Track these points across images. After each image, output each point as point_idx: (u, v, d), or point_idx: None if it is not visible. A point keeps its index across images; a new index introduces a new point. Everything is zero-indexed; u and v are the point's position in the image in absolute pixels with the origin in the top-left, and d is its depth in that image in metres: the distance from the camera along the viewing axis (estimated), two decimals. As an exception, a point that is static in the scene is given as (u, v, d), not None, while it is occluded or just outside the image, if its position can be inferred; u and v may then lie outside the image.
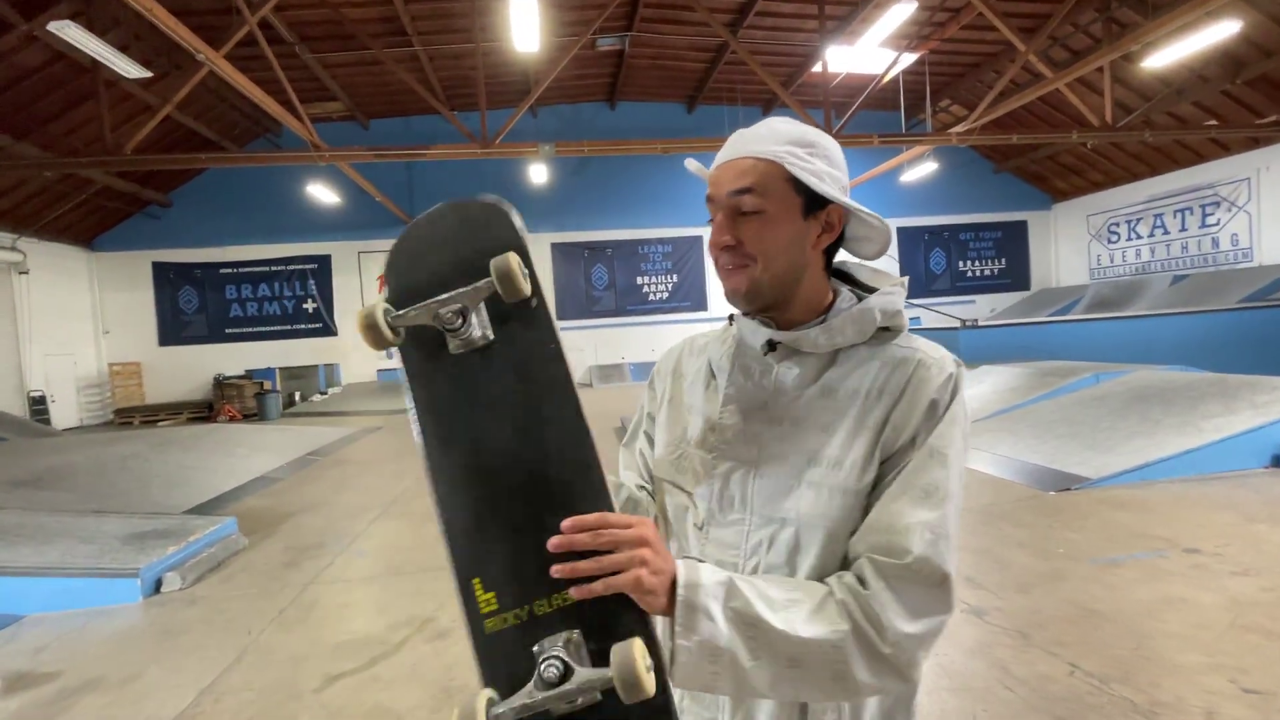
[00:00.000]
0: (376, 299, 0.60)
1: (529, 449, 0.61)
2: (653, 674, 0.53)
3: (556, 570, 0.56)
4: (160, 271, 13.70)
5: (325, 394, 13.42)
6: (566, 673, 0.54)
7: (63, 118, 9.95)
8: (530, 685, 0.54)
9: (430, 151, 9.45)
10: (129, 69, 7.29)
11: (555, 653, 0.55)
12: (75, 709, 2.40)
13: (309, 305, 14.21)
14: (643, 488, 0.91)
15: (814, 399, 0.73)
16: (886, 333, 0.74)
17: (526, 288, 0.61)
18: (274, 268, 14.11)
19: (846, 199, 0.72)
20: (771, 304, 0.75)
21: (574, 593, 0.56)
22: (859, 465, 0.68)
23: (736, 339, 0.80)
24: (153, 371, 13.57)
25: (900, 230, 15.90)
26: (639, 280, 15.25)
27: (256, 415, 11.94)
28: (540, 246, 14.44)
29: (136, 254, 13.56)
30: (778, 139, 0.72)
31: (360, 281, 14.41)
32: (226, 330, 13.95)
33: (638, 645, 0.53)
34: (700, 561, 0.65)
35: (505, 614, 0.57)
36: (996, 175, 16.61)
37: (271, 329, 14.08)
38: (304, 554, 4.12)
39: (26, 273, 11.49)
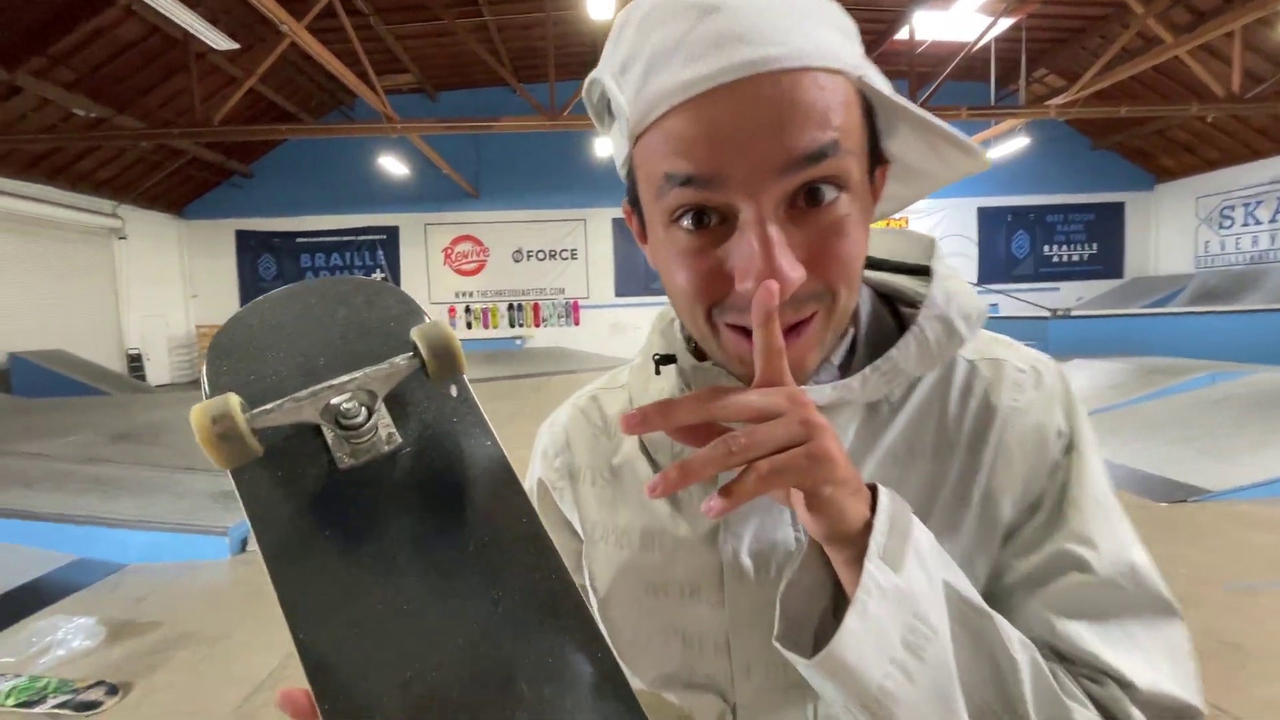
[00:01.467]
0: (215, 397, 0.36)
1: (475, 608, 0.37)
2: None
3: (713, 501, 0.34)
4: (242, 239, 14.36)
5: (392, 362, 13.90)
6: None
7: (157, 90, 10.44)
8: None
9: (499, 124, 9.44)
10: (218, 41, 7.52)
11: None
12: (172, 662, 2.50)
13: (377, 275, 14.61)
14: None
15: (879, 473, 0.44)
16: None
17: (464, 363, 0.40)
18: (345, 238, 14.56)
19: (935, 121, 0.39)
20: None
21: (717, 502, 0.34)
22: (976, 557, 0.43)
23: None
24: (235, 334, 14.37)
25: (982, 210, 14.98)
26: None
27: (328, 380, 12.45)
28: (602, 222, 14.33)
29: (221, 222, 14.24)
30: (828, 16, 0.38)
31: (426, 254, 14.71)
32: (301, 297, 14.58)
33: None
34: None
35: None
36: (1093, 152, 15.32)
37: (343, 297, 14.63)
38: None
39: (125, 238, 12.26)
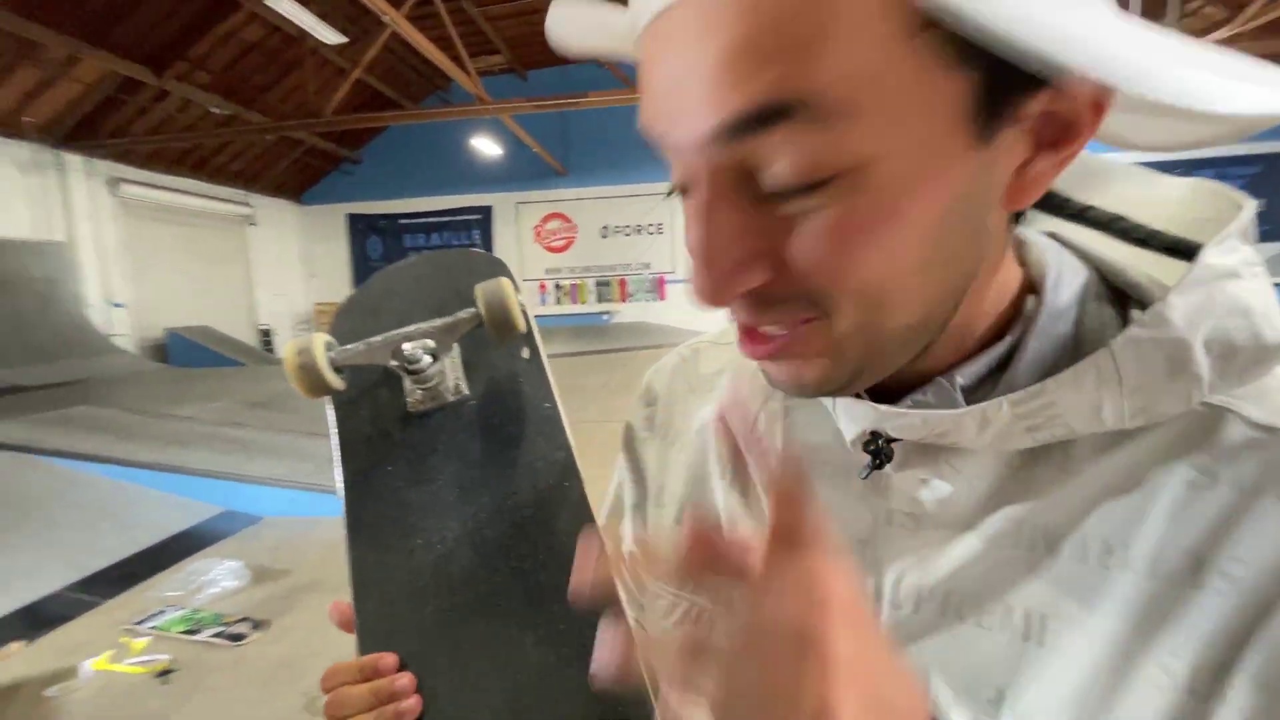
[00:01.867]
0: (314, 333, 0.42)
1: (508, 560, 0.40)
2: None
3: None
4: (352, 222, 15.42)
5: (487, 337, 14.55)
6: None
7: (277, 86, 11.33)
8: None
9: (586, 99, 9.47)
10: (328, 35, 8.03)
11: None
12: (301, 604, 2.79)
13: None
14: None
15: (1002, 552, 0.29)
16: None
17: (521, 322, 0.42)
18: (443, 219, 15.27)
19: None
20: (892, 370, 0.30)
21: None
22: None
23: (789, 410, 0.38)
24: (349, 311, 15.56)
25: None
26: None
27: (430, 354, 13.28)
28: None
29: (334, 207, 15.35)
30: None
31: (517, 232, 15.17)
32: (406, 276, 15.50)
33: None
34: None
35: None
36: (1257, 94, 13.23)
37: (442, 275, 15.41)
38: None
39: (255, 224, 13.53)
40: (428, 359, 0.43)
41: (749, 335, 0.29)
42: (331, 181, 15.37)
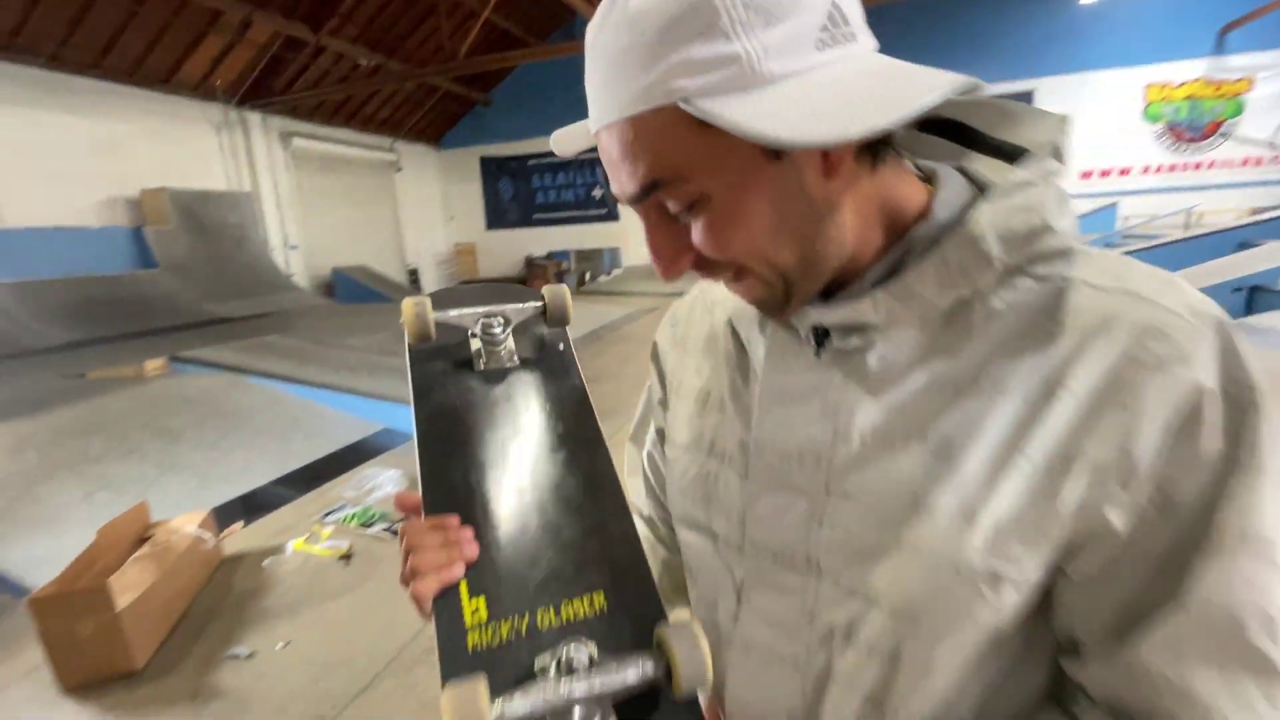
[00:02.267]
0: (410, 299, 0.57)
1: (547, 453, 0.56)
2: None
3: None
4: (485, 165, 16.12)
5: (609, 275, 14.81)
6: (593, 666, 0.43)
7: (415, 34, 11.87)
8: (550, 677, 0.42)
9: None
10: (458, -23, 8.20)
11: (574, 644, 0.44)
12: (451, 512, 3.16)
13: (596, 192, 15.44)
14: (654, 523, 0.71)
15: (919, 396, 0.41)
16: (1042, 261, 0.39)
17: (572, 315, 0.61)
18: (569, 159, 15.51)
19: (862, 50, 0.38)
20: (818, 288, 0.43)
21: None
22: (1022, 531, 0.37)
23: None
24: (483, 251, 16.51)
25: None
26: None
27: (556, 291, 13.88)
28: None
29: (469, 149, 16.10)
30: (645, 50, 0.35)
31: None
32: (534, 216, 16.05)
33: (699, 627, 0.43)
34: None
35: (497, 623, 0.46)
36: None
37: (567, 215, 15.77)
38: (603, 418, 4.71)
39: (400, 170, 14.60)
40: (499, 330, 0.60)
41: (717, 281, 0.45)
42: (466, 125, 16.08)
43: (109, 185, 8.73)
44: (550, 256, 15.27)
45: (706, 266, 0.43)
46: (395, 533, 2.92)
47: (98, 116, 8.58)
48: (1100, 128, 11.89)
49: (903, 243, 0.42)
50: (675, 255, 0.42)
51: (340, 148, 12.77)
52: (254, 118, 10.93)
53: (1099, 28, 11.46)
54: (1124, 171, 12.01)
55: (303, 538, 2.91)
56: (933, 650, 0.40)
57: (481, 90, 15.20)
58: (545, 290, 0.61)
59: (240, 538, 2.98)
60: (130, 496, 2.97)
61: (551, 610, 0.47)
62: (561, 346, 0.64)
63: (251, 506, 3.28)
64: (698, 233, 0.40)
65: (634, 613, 0.47)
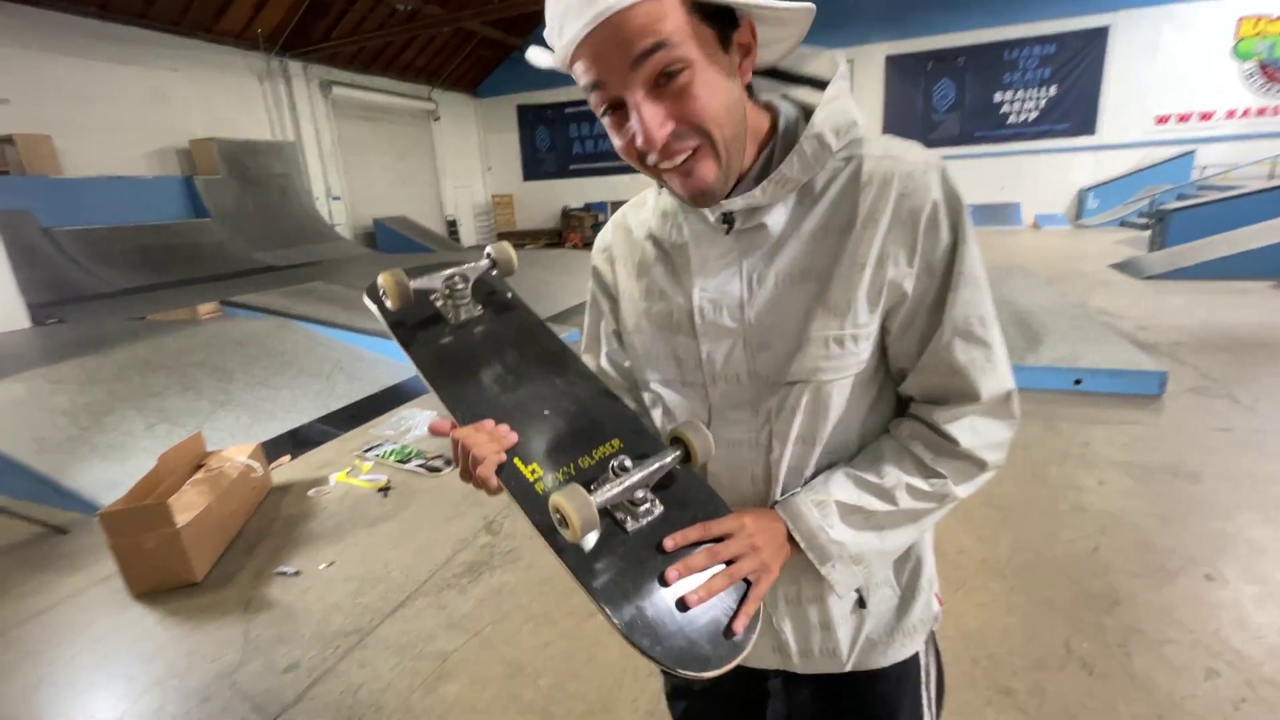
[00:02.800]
0: (393, 269, 0.72)
1: (532, 366, 0.73)
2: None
3: (690, 598, 0.57)
4: (523, 114, 15.92)
5: (646, 227, 14.66)
6: (636, 465, 0.60)
7: (451, -25, 11.60)
8: (612, 477, 0.60)
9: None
10: (493, -88, 7.92)
11: (618, 458, 0.61)
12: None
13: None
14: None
15: (795, 248, 0.64)
16: (852, 145, 0.62)
17: (515, 263, 0.77)
18: (606, 105, 15.15)
19: None
20: (739, 170, 0.62)
21: (694, 596, 0.57)
22: (865, 305, 0.62)
23: (679, 211, 0.70)
24: (520, 202, 16.47)
25: None
26: (997, 97, 12.15)
27: (592, 244, 13.81)
28: (872, 60, 12.50)
29: (506, 98, 15.89)
30: None
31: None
32: (570, 167, 15.87)
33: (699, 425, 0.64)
34: (789, 496, 0.66)
35: (553, 473, 0.63)
36: None
37: (604, 165, 15.53)
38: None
39: (439, 119, 14.53)
40: (462, 284, 0.75)
41: (673, 172, 0.59)
42: (503, 73, 15.81)
43: (160, 135, 8.99)
44: (587, 208, 15.14)
45: (676, 138, 0.56)
46: (430, 469, 3.06)
47: (147, 66, 8.77)
48: (1180, 67, 10.90)
49: (767, 150, 0.64)
50: (661, 122, 0.55)
51: (379, 96, 12.77)
52: (295, 66, 10.99)
53: (1188, -47, 10.39)
54: (1205, 116, 11.03)
55: (345, 470, 3.07)
56: (830, 398, 0.64)
57: (519, 35, 14.88)
58: (492, 249, 0.76)
59: (288, 469, 3.16)
60: (187, 429, 3.17)
61: (586, 457, 0.65)
62: (509, 295, 0.80)
63: (298, 441, 3.46)
64: (680, 96, 0.54)
65: (641, 444, 0.67)
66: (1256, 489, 2.49)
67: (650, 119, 0.54)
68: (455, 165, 15.31)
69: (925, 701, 0.77)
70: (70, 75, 7.88)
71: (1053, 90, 11.78)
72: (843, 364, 0.63)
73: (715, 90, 0.55)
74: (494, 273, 0.77)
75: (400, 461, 3.13)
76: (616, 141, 0.59)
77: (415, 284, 0.72)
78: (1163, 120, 11.26)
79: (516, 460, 0.62)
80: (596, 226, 13.81)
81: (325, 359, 4.48)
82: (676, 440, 0.62)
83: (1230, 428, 3.05)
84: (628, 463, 0.60)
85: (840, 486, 0.65)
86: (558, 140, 15.78)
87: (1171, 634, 1.76)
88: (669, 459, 0.61)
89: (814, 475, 0.67)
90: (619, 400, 0.71)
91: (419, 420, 3.59)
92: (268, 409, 3.69)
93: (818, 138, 0.59)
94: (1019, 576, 2.05)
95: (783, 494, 0.67)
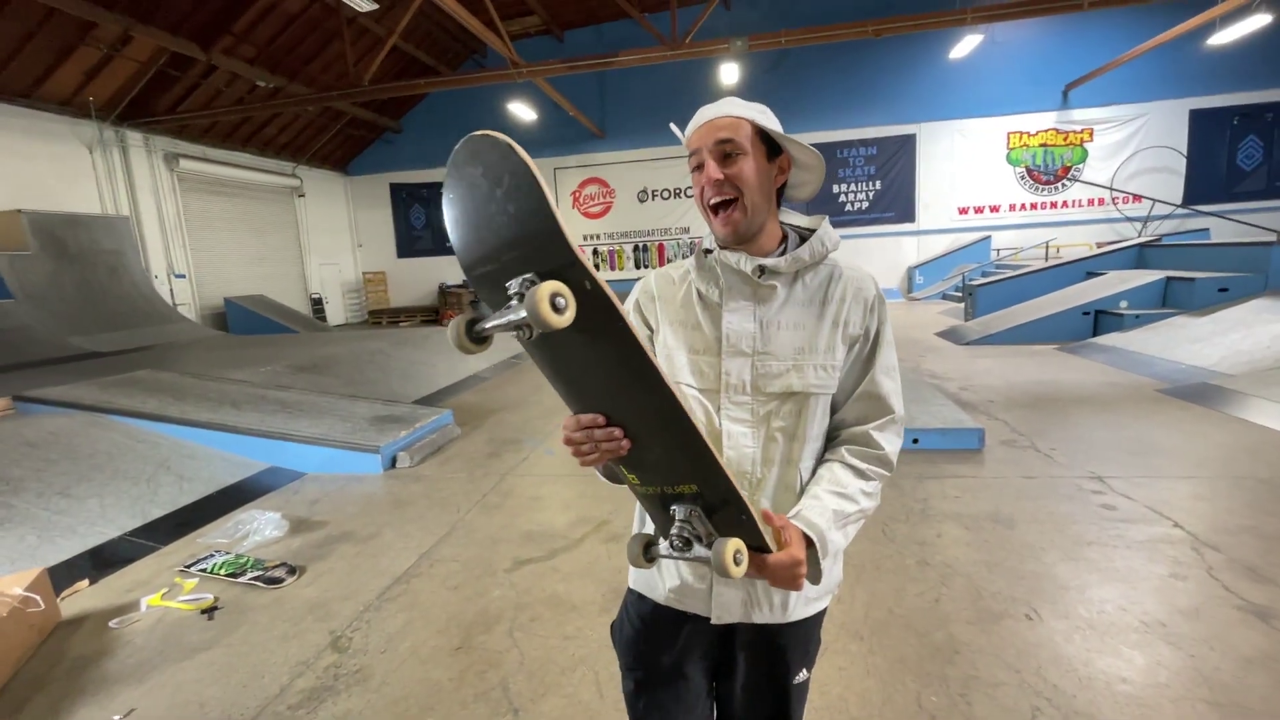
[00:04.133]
0: (459, 318, 0.74)
1: (613, 369, 0.75)
2: (741, 566, 0.75)
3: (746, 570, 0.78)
4: (395, 191, 15.70)
5: (526, 303, 14.68)
6: (687, 544, 0.81)
7: (319, 58, 11.50)
8: (668, 542, 0.83)
9: (619, 59, 9.26)
10: (362, 4, 8.05)
11: (683, 520, 0.81)
12: (335, 554, 2.97)
13: (512, 221, 15.36)
14: None
15: (793, 308, 0.98)
16: (828, 254, 1.00)
17: (555, 320, 0.63)
18: (483, 186, 15.34)
19: (795, 143, 0.95)
20: (749, 237, 0.97)
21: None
22: (834, 350, 0.97)
23: (720, 267, 1.00)
24: (394, 279, 15.95)
25: (1196, 114, 12.34)
26: (835, 189, 13.92)
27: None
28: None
29: (378, 176, 15.65)
30: (743, 106, 0.94)
31: (554, 198, 15.08)
32: (448, 244, 15.69)
33: (730, 545, 0.75)
34: (801, 510, 0.92)
35: (646, 486, 0.84)
36: (1367, 25, 11.86)
37: (482, 243, 15.52)
38: (504, 446, 4.60)
39: (303, 195, 13.93)
40: (527, 332, 0.69)
41: (716, 214, 0.96)
42: (375, 152, 15.63)
43: (-48, 206, 7.80)
44: (465, 285, 14.95)
45: (720, 185, 0.93)
46: (270, 580, 2.71)
47: (-60, 130, 7.68)
48: (972, 170, 13.22)
49: (783, 245, 1.01)
50: (718, 172, 0.92)
51: (236, 171, 12.05)
52: (135, 137, 10.15)
53: (967, 80, 12.79)
54: (994, 208, 13.35)
55: (160, 592, 2.64)
56: (812, 407, 0.97)
57: (392, 117, 14.88)
58: (525, 305, 0.66)
59: (84, 596, 2.66)
60: (-53, 557, 2.59)
61: (669, 487, 0.82)
62: (590, 286, 0.67)
63: (102, 561, 2.94)
64: (732, 166, 0.92)
65: (712, 491, 0.79)
66: (1058, 528, 2.85)
67: (713, 170, 0.93)
68: (322, 242, 14.62)
69: (820, 636, 1.12)
70: None
71: (878, 184, 13.70)
72: (825, 384, 0.97)
73: (752, 172, 0.93)
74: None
75: (232, 575, 2.75)
76: (695, 186, 0.96)
77: (485, 329, 0.72)
78: (964, 211, 13.43)
79: (623, 468, 0.83)
80: (475, 303, 13.62)
81: (148, 458, 3.93)
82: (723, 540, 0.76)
83: (1034, 475, 3.50)
84: (688, 534, 0.81)
85: (826, 500, 0.92)
86: (434, 218, 15.65)
87: (1002, 676, 1.92)
88: (703, 558, 0.79)
89: (791, 463, 0.97)
90: (700, 441, 0.75)
91: (262, 523, 3.20)
92: (64, 524, 3.13)
93: (821, 240, 0.98)
94: (875, 636, 2.15)
95: (775, 475, 0.98)
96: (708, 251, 1.02)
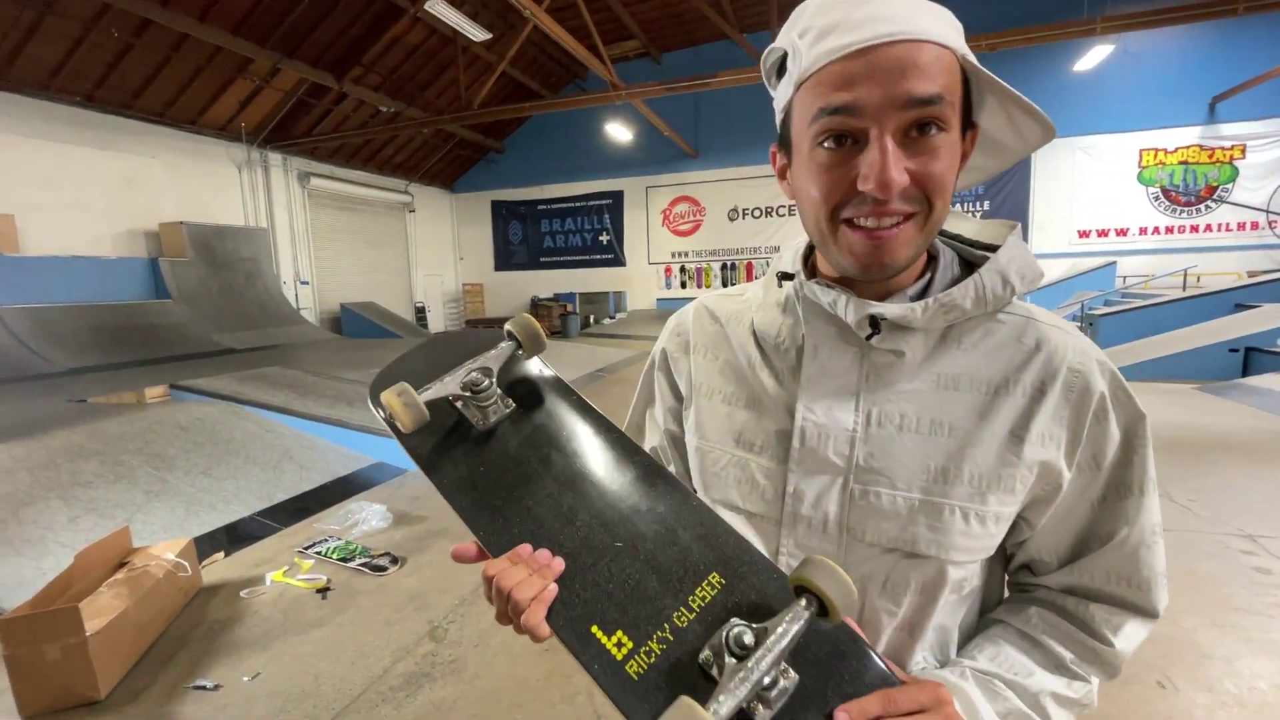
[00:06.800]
0: (395, 384, 0.58)
1: (587, 473, 0.58)
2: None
3: None
4: (496, 209, 16.54)
5: (614, 318, 14.97)
6: (759, 637, 0.45)
7: (433, 84, 12.39)
8: (729, 668, 0.44)
9: (716, 79, 9.35)
10: (476, 33, 8.63)
11: (734, 630, 0.46)
12: (433, 548, 3.13)
13: (604, 237, 15.77)
14: None
15: (929, 394, 0.56)
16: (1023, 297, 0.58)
17: (544, 338, 0.61)
18: (577, 204, 15.89)
19: (1019, 101, 0.51)
20: (920, 254, 0.56)
21: None
22: (1016, 482, 0.55)
23: (804, 307, 0.60)
24: (490, 291, 16.76)
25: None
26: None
27: (560, 333, 13.96)
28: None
29: (480, 194, 16.55)
30: (941, 13, 0.50)
31: (646, 215, 15.38)
32: (541, 259, 16.35)
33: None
34: (953, 682, 0.54)
35: (647, 646, 0.48)
36: None
37: (574, 258, 16.05)
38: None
39: (414, 211, 14.99)
40: (486, 381, 0.60)
41: (869, 236, 0.51)
42: (479, 171, 16.58)
43: (130, 218, 9.01)
44: (556, 298, 15.47)
45: (902, 195, 0.50)
46: (374, 568, 2.90)
47: (122, 151, 8.93)
48: (1095, 191, 12.17)
49: (926, 275, 0.59)
50: (899, 172, 0.48)
51: (356, 188, 13.17)
52: (275, 157, 11.33)
53: (1093, 94, 11.85)
54: (1121, 232, 12.20)
55: (282, 569, 2.89)
56: (947, 581, 0.56)
57: (495, 138, 15.74)
58: (512, 325, 0.63)
59: (221, 567, 2.96)
60: (115, 521, 2.97)
61: (683, 609, 0.49)
62: (542, 371, 0.65)
63: (235, 536, 3.27)
64: (929, 155, 0.49)
65: (749, 575, 0.51)
66: (1199, 590, 2.54)
67: (894, 163, 0.48)
68: (427, 255, 15.63)
69: None
70: (40, 158, 7.95)
71: (987, 205, 12.91)
72: (977, 545, 0.55)
73: (953, 165, 0.51)
74: (520, 353, 0.63)
75: (343, 560, 2.97)
76: (821, 179, 0.51)
77: (427, 394, 0.58)
78: (1084, 235, 12.39)
79: (595, 630, 0.49)
80: (565, 316, 14.06)
81: (274, 447, 4.32)
82: (801, 588, 0.45)
83: (1169, 527, 3.15)
84: (747, 637, 0.45)
85: (996, 686, 0.55)
86: (529, 234, 16.34)
87: (1129, 747, 1.73)
88: (800, 623, 0.44)
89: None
90: (706, 508, 0.56)
91: (368, 514, 3.44)
92: (207, 500, 3.51)
93: (1002, 275, 0.54)
94: (977, 684, 2.01)
95: None
96: (786, 277, 0.63)
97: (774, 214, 14.28)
